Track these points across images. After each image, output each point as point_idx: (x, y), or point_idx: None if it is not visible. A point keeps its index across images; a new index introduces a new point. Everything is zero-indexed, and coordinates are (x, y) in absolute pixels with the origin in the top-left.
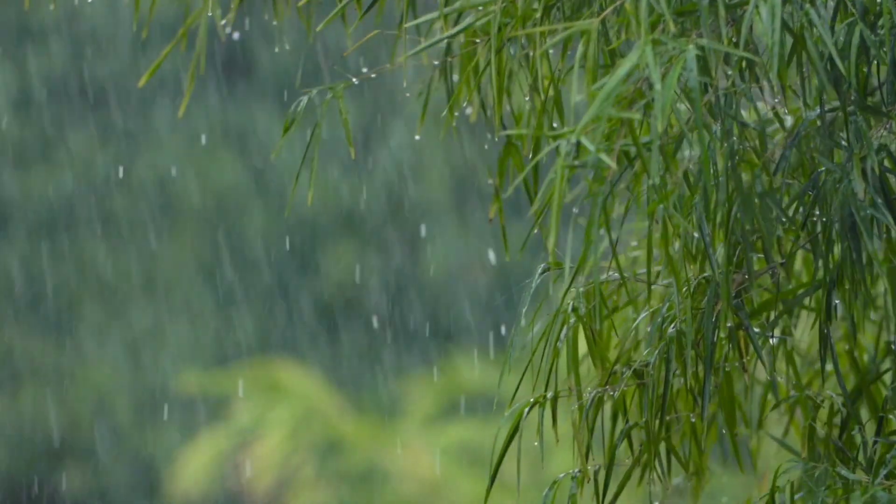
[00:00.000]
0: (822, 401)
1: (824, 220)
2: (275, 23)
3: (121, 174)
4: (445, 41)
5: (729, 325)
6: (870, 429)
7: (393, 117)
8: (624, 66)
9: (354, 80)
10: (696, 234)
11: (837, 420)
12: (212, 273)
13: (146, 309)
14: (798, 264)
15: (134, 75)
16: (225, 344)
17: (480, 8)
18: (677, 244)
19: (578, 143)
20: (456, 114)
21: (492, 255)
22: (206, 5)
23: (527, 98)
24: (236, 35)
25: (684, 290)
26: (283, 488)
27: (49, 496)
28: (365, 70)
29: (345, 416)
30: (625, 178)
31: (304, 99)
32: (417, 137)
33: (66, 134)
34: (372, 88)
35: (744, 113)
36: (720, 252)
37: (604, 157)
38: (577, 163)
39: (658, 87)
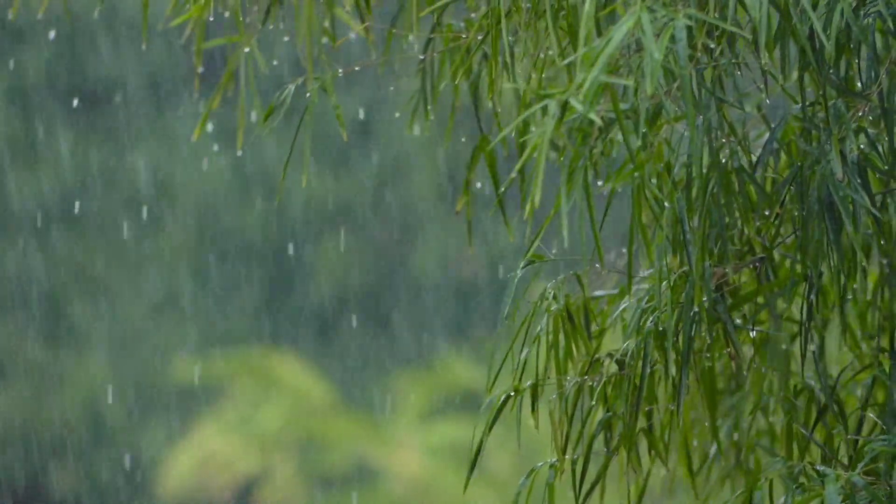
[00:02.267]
0: (801, 391)
1: (803, 204)
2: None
3: (110, 165)
4: (428, 38)
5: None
6: (859, 423)
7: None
8: (620, 32)
9: (341, 71)
10: (667, 204)
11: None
12: (203, 268)
13: (136, 305)
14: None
15: (126, 73)
16: (216, 340)
17: None
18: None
19: (566, 104)
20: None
21: (482, 251)
22: (242, 47)
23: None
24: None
25: (664, 283)
26: (271, 484)
27: (38, 494)
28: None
29: (334, 413)
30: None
31: (291, 87)
32: (416, 132)
33: (55, 131)
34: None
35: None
36: (708, 244)
37: (593, 116)
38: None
39: (656, 54)
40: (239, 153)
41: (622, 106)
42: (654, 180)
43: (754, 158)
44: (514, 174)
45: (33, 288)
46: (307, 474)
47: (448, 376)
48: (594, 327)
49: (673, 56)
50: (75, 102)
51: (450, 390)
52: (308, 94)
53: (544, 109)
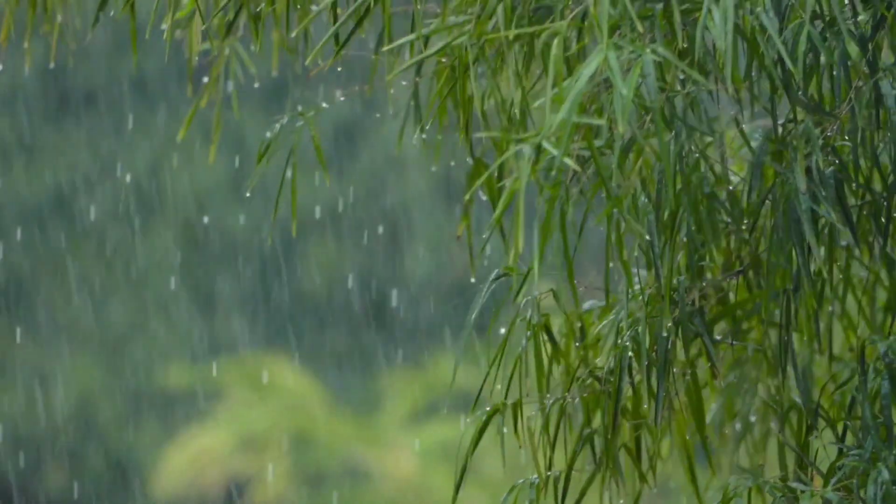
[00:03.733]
0: (787, 408)
1: (773, 221)
2: (254, 48)
3: (102, 170)
4: (416, 63)
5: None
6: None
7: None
8: (587, 71)
9: (324, 104)
10: (647, 238)
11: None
12: (194, 270)
13: (127, 307)
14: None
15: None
16: (207, 341)
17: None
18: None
19: (540, 147)
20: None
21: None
22: (221, 58)
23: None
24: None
25: (640, 298)
26: (261, 484)
27: (30, 495)
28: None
29: (325, 413)
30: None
31: (277, 126)
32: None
33: (48, 131)
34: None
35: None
36: (676, 261)
37: (567, 160)
38: (539, 166)
39: (623, 91)
40: (211, 161)
41: (597, 142)
42: (629, 214)
43: (734, 179)
44: (492, 224)
45: (23, 287)
46: (298, 474)
47: (440, 377)
48: (575, 344)
49: (643, 90)
50: (65, 102)
51: (441, 391)
52: (295, 125)
53: (518, 154)
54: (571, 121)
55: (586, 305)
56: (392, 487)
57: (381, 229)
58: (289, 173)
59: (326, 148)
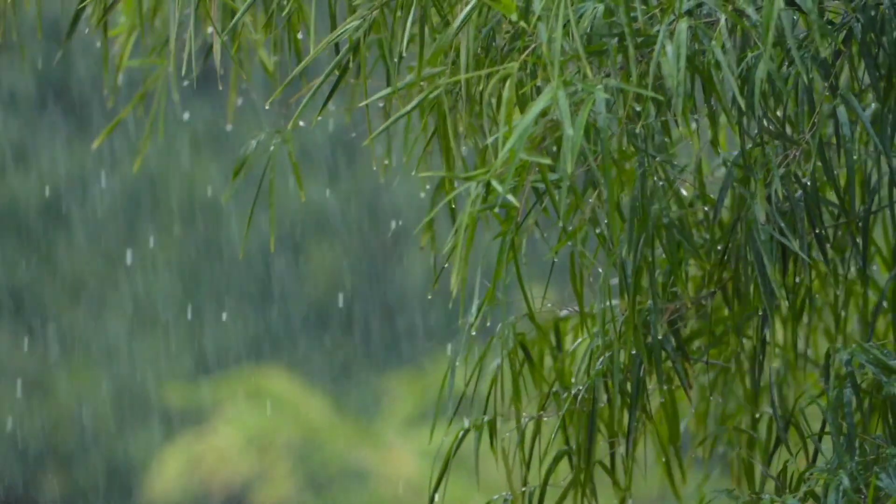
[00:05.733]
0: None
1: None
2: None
3: (100, 178)
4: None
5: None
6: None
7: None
8: (535, 109)
9: (301, 122)
10: (600, 270)
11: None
12: (191, 276)
13: (125, 313)
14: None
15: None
16: (205, 347)
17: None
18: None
19: (489, 185)
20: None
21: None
22: (163, 69)
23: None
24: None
25: (608, 325)
26: (259, 489)
27: (28, 502)
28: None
29: (324, 418)
30: (535, 213)
31: (253, 143)
32: (382, 180)
33: (42, 137)
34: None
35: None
36: (649, 286)
37: (510, 198)
38: (485, 205)
39: (570, 131)
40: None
41: (552, 176)
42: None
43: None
44: (445, 257)
45: (21, 294)
46: (299, 478)
47: (439, 380)
48: (549, 363)
49: (594, 127)
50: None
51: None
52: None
53: (466, 192)
54: (518, 157)
55: (563, 313)
56: (392, 490)
57: (379, 233)
58: (293, 175)
59: (325, 155)
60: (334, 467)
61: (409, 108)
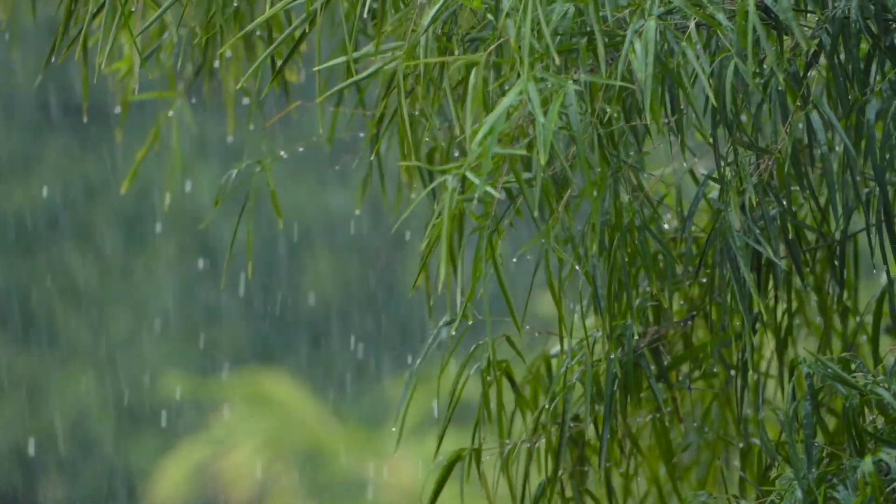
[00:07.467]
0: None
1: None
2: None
3: (99, 184)
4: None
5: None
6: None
7: None
8: (505, 101)
9: (283, 153)
10: (577, 268)
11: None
12: (192, 282)
13: (125, 318)
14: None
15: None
16: (206, 353)
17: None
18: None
19: (465, 179)
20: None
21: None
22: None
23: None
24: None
25: (584, 344)
26: (263, 498)
27: None
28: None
29: (326, 426)
30: (509, 215)
31: (234, 172)
32: (358, 212)
33: (43, 146)
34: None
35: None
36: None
37: (490, 189)
38: (463, 196)
39: (541, 118)
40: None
41: (526, 175)
42: (559, 245)
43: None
44: (422, 256)
45: (19, 300)
46: (302, 486)
47: (442, 387)
48: (527, 389)
49: (567, 122)
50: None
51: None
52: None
53: (444, 184)
54: (493, 150)
55: (553, 351)
56: (395, 498)
57: (382, 239)
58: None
59: (328, 162)
60: (336, 476)
61: (365, 73)
